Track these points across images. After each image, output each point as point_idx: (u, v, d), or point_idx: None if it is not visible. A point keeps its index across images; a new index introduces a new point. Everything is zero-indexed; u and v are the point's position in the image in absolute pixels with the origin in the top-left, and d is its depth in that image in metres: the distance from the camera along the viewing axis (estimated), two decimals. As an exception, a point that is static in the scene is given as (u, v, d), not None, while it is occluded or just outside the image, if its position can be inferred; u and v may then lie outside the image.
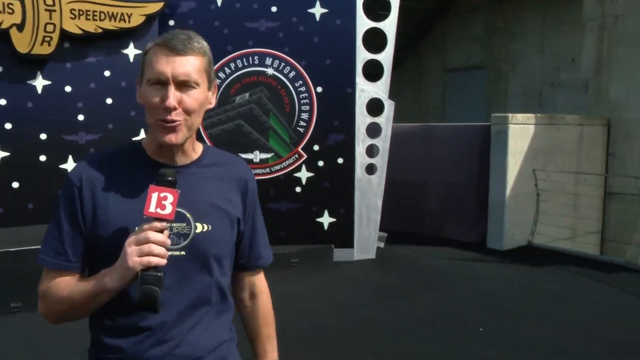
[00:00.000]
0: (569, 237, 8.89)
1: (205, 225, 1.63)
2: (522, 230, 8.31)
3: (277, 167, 7.07)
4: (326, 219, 7.16)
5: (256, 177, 1.85)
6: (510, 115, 8.24)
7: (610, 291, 6.51)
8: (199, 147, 1.71)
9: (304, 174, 7.10)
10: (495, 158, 8.24)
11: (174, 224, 1.54)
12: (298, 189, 7.10)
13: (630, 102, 9.55)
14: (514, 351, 4.68)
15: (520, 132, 8.26)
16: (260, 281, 1.90)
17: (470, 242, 8.44)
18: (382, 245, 7.71)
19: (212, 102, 1.66)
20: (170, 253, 1.48)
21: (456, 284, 6.66)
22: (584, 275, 7.04)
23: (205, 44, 1.59)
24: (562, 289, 6.55)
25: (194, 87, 1.55)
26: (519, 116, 8.34)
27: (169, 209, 1.46)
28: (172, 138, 1.55)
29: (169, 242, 1.47)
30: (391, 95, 7.30)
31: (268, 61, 6.98)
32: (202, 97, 1.58)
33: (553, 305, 5.95)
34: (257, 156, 7.00)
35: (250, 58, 6.96)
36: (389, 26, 7.14)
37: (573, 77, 10.65)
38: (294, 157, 7.08)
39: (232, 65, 6.92)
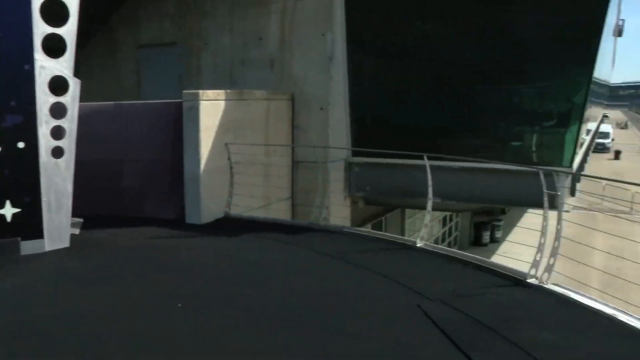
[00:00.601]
0: (263, 205, 9.52)
1: None
2: (218, 203, 8.65)
3: (-56, 155, 6.24)
4: (8, 210, 6.55)
5: None
6: (201, 92, 8.44)
7: (300, 251, 7.16)
8: None
9: (-23, 162, 6.39)
10: (188, 134, 8.38)
11: None
12: (-29, 179, 6.37)
13: (309, 78, 10.52)
14: (218, 312, 4.98)
15: (212, 108, 8.53)
16: None
17: (169, 219, 8.51)
18: (77, 231, 7.35)
19: None
20: None
21: (156, 261, 6.69)
22: (278, 239, 7.63)
23: None
24: (259, 254, 7.02)
25: None
26: (210, 92, 8.59)
27: None
28: None
29: None
30: (82, 73, 6.93)
31: None
32: None
33: (251, 270, 6.37)
34: None
35: None
36: (71, -3, 6.71)
37: (261, 55, 11.28)
38: (-36, 143, 6.31)
39: None
